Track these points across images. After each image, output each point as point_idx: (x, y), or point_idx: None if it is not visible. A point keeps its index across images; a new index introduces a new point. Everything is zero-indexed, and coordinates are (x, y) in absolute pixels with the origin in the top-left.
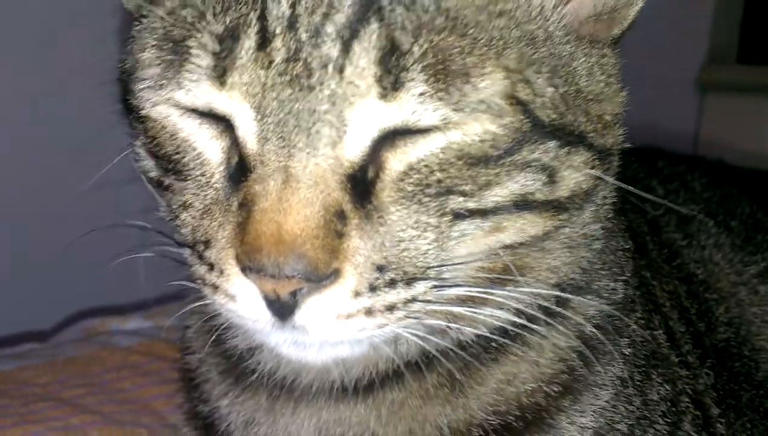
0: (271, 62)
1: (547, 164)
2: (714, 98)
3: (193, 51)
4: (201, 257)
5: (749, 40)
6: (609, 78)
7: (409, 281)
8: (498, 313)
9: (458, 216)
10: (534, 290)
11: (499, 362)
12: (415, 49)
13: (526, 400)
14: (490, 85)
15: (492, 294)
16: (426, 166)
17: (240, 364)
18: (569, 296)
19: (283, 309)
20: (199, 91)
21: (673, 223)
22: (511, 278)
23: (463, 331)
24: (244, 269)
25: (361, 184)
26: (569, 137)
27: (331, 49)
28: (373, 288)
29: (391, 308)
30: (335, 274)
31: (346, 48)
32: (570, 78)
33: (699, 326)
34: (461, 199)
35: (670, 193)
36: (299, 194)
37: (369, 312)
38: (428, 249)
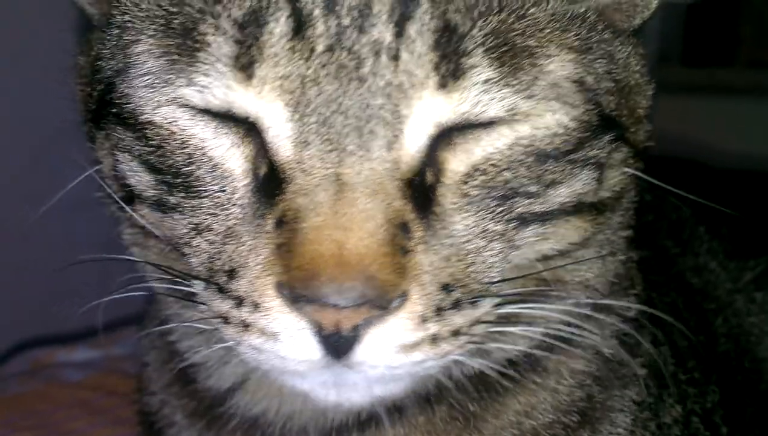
0: (312, 51)
1: (601, 161)
2: (662, 99)
3: (209, 38)
4: (223, 290)
5: (692, 43)
6: (642, 68)
7: (474, 300)
8: (530, 332)
9: (523, 222)
10: (566, 308)
11: (517, 391)
12: (475, 31)
13: (544, 433)
14: (559, 67)
15: (540, 309)
16: (493, 165)
17: (214, 407)
18: (594, 313)
19: (339, 344)
20: (218, 87)
21: (665, 229)
22: (541, 294)
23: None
24: (296, 299)
25: (421, 190)
26: (618, 131)
27: (383, 33)
28: (439, 311)
29: (456, 332)
30: (402, 297)
31: (399, 31)
32: (612, 67)
33: (700, 339)
34: (527, 201)
35: (658, 197)
36: (358, 206)
37: (434, 340)
38: (494, 262)
